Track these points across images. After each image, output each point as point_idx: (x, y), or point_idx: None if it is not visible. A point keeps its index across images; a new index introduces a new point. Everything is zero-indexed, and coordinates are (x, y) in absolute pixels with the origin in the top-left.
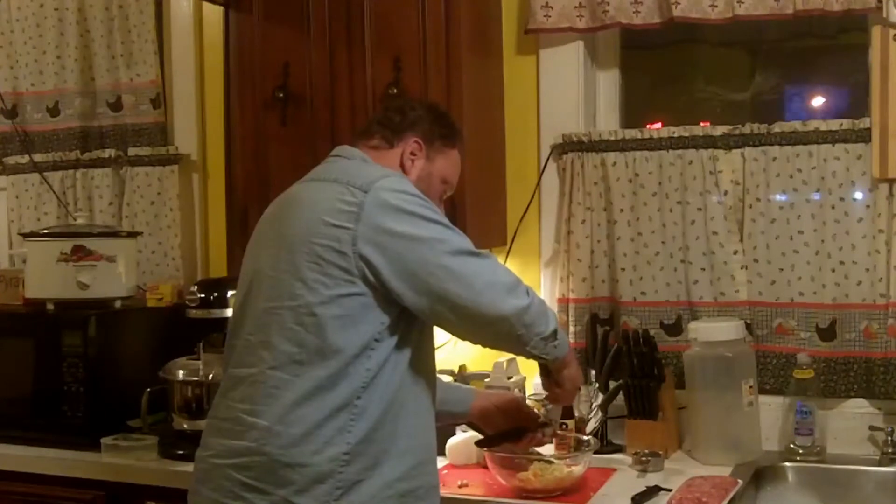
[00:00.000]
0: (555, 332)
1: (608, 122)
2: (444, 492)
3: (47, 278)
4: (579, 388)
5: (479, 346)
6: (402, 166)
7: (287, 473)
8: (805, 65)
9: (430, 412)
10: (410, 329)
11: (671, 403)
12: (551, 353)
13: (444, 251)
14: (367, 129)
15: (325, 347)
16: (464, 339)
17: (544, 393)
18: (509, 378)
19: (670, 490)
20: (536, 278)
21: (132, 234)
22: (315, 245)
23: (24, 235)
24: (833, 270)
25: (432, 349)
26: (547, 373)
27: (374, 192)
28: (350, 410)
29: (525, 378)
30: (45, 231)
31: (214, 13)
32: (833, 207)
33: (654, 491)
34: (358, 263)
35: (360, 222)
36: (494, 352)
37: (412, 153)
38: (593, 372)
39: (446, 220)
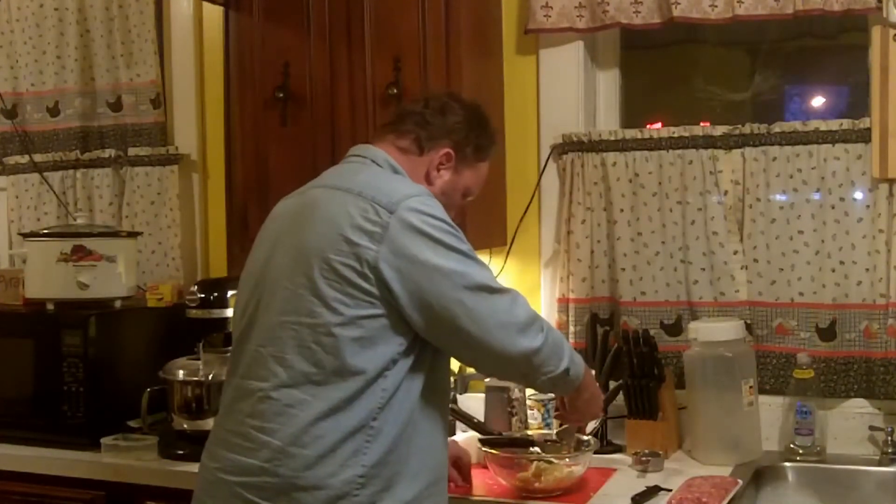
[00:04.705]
0: (566, 371)
1: (608, 122)
2: None
3: (47, 278)
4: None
5: None
6: (428, 175)
7: (300, 496)
8: (805, 65)
9: (443, 431)
10: (426, 348)
11: (671, 403)
12: (560, 388)
13: (462, 285)
14: (400, 121)
15: (344, 368)
16: (471, 367)
17: (548, 396)
18: None
19: (670, 490)
20: (536, 278)
21: (132, 234)
22: (334, 262)
23: (24, 235)
24: (833, 270)
25: (447, 366)
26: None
27: (399, 213)
28: (366, 432)
29: None
30: (45, 231)
31: (214, 13)
32: (833, 207)
33: (654, 491)
34: (378, 285)
35: (384, 244)
36: None
37: (440, 164)
38: (593, 372)
39: (469, 249)
